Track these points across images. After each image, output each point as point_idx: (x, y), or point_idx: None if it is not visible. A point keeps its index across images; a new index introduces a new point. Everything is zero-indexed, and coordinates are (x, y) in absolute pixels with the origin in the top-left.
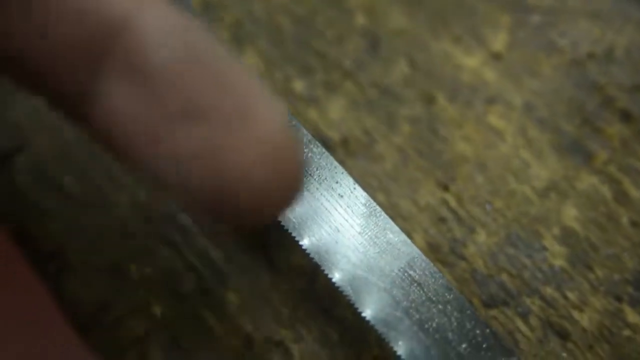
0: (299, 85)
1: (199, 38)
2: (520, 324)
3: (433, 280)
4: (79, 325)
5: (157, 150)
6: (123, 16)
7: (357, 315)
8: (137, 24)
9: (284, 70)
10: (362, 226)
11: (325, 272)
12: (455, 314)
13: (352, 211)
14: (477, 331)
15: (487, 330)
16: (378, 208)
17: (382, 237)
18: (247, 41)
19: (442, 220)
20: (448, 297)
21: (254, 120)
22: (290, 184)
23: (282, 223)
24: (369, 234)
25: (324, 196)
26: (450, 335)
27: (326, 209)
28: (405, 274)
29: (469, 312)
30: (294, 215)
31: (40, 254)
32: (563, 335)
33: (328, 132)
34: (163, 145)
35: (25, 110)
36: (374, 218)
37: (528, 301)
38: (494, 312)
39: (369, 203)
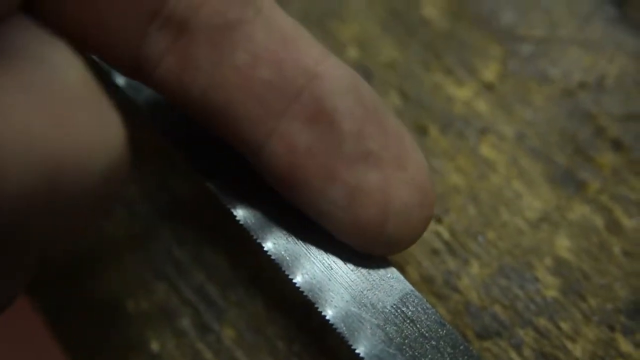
0: None
1: (367, 88)
2: (513, 355)
3: (426, 316)
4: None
5: (332, 185)
6: (314, 65)
7: (352, 352)
8: (325, 73)
9: None
10: (354, 263)
11: (319, 309)
12: (448, 349)
13: (344, 248)
14: None
15: None
16: None
17: (375, 274)
18: None
19: (436, 252)
20: (441, 332)
21: (411, 163)
22: (430, 215)
23: (276, 260)
24: (362, 270)
25: (316, 233)
26: None
27: (319, 246)
28: (398, 310)
29: (462, 347)
30: (287, 252)
31: (38, 288)
32: None
33: None
34: (339, 181)
35: None
36: (366, 254)
37: (521, 332)
38: (487, 343)
39: None
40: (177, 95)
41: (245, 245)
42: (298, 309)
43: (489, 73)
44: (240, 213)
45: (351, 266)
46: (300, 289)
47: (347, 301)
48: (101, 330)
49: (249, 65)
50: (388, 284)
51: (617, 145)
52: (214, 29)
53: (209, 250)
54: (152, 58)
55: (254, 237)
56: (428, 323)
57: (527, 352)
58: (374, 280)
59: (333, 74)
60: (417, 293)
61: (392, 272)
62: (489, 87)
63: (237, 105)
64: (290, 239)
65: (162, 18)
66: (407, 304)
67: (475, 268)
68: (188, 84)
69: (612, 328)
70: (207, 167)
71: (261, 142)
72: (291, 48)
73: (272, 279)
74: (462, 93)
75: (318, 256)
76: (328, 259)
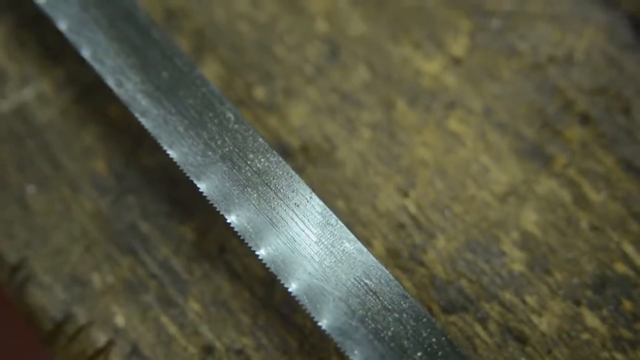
0: (260, 92)
1: None
2: (479, 329)
3: (389, 288)
4: (43, 335)
5: None
6: None
7: (315, 324)
8: None
9: (245, 77)
10: (318, 235)
11: (282, 282)
12: (411, 322)
13: (308, 221)
14: (433, 339)
15: (443, 338)
16: (334, 217)
17: (339, 247)
18: (208, 49)
19: (402, 226)
20: (404, 305)
21: None
22: None
23: (240, 233)
24: (325, 243)
25: (280, 206)
26: (405, 343)
27: (282, 218)
28: (362, 283)
29: (425, 319)
30: (251, 225)
31: (6, 264)
32: (522, 340)
33: (289, 138)
34: None
35: None
36: (330, 227)
37: (487, 306)
38: (453, 317)
39: (325, 212)
40: None
41: (211, 218)
42: (263, 282)
43: (458, 47)
44: (204, 185)
45: (315, 238)
46: (264, 262)
47: (310, 273)
48: (68, 304)
49: None
50: (352, 256)
51: (585, 119)
52: None
53: (174, 224)
54: None
55: (218, 210)
56: (391, 295)
57: (492, 326)
58: (337, 253)
59: None
60: (380, 266)
61: (356, 245)
62: (457, 61)
63: None
64: (254, 210)
65: None
66: (370, 276)
67: (441, 242)
68: None
69: (578, 302)
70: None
71: None
72: None
73: (237, 252)
74: (430, 67)
75: (282, 228)
76: (292, 231)
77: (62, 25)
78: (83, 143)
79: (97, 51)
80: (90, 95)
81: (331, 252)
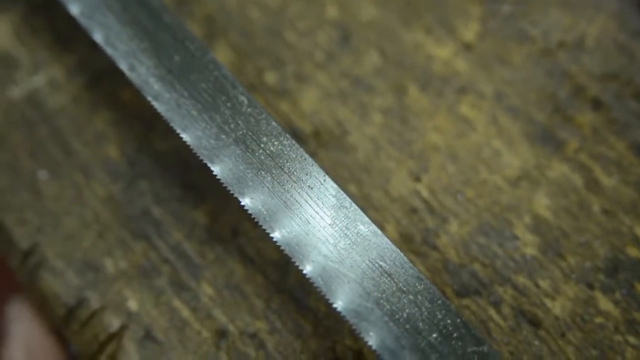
0: (271, 77)
1: None
2: (492, 312)
3: (403, 270)
4: (56, 319)
5: None
6: None
7: (329, 306)
8: None
9: (256, 63)
10: (332, 218)
11: (297, 264)
12: (426, 304)
13: (322, 203)
14: (448, 321)
15: (458, 320)
16: (348, 200)
17: (353, 229)
18: (219, 34)
19: (414, 210)
20: (419, 287)
21: None
22: None
23: (254, 216)
24: (340, 225)
25: (294, 188)
26: (421, 325)
27: (296, 201)
28: (376, 265)
29: (439, 302)
30: (265, 207)
31: (18, 249)
32: (535, 324)
33: (300, 123)
34: None
35: (1, 107)
36: (344, 210)
37: (500, 290)
38: (466, 301)
39: (339, 195)
40: None
41: (223, 203)
42: (276, 266)
43: (469, 32)
44: (217, 169)
45: (329, 220)
46: (278, 245)
47: (324, 256)
48: (80, 289)
49: None
50: (366, 239)
51: (596, 104)
52: None
53: (187, 209)
54: None
55: (232, 192)
56: (405, 277)
57: (505, 309)
58: (351, 235)
59: None
60: (394, 248)
61: (370, 227)
62: (468, 46)
63: None
64: (268, 193)
65: None
66: (384, 258)
67: (454, 226)
68: None
69: (591, 286)
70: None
71: None
72: None
73: (250, 235)
74: (441, 52)
75: (296, 211)
76: (306, 213)
77: (74, 10)
78: (95, 128)
79: (109, 35)
80: (101, 80)
81: (345, 234)
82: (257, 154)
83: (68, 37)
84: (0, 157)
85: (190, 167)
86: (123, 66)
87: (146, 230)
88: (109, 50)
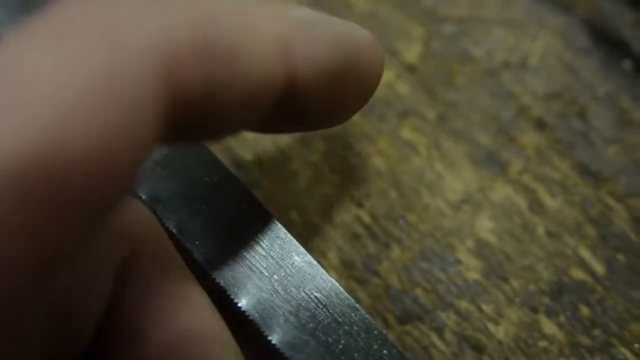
0: None
1: None
2: (435, 338)
3: (339, 301)
4: None
5: None
6: None
7: (264, 339)
8: None
9: None
10: (267, 249)
11: (232, 297)
12: (361, 334)
13: (258, 235)
14: (384, 351)
15: (394, 350)
16: (283, 230)
17: (288, 260)
18: None
19: (356, 236)
20: (355, 318)
21: None
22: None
23: (191, 250)
24: (274, 256)
25: (232, 223)
26: (356, 356)
27: (232, 233)
28: (312, 296)
29: (375, 332)
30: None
31: None
32: (479, 349)
33: (243, 152)
34: None
35: None
36: (279, 240)
37: (443, 315)
38: (408, 327)
39: (274, 226)
40: None
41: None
42: (213, 299)
43: (411, 54)
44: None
45: (264, 252)
46: (213, 277)
47: (259, 288)
48: None
49: None
50: (301, 270)
51: (540, 124)
52: None
53: None
54: None
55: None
56: (341, 308)
57: (448, 335)
58: (287, 267)
59: None
60: (330, 278)
61: (305, 258)
62: (411, 68)
63: None
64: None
65: None
66: (320, 289)
67: (396, 252)
68: None
69: (535, 310)
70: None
71: None
72: None
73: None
74: (384, 75)
75: (231, 243)
76: (241, 245)
77: None
78: None
79: None
80: None
81: (280, 265)
82: (192, 188)
83: None
84: None
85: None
86: None
87: None
88: None
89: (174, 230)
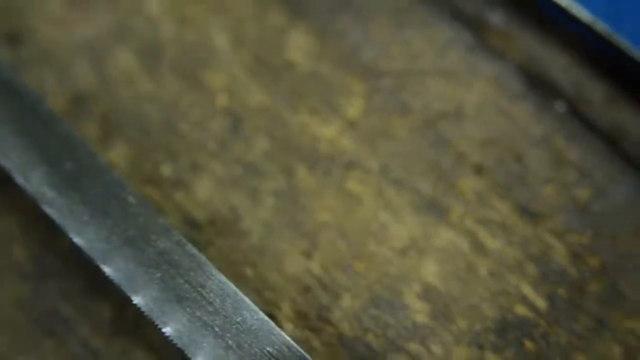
0: (166, 169)
1: None
2: None
3: (290, 353)
4: None
5: None
6: None
7: None
8: None
9: (153, 156)
10: (218, 308)
11: (189, 356)
12: None
13: (210, 295)
14: None
15: None
16: (233, 288)
17: (240, 317)
18: (116, 132)
19: (308, 288)
20: None
21: None
22: None
23: (146, 312)
24: (226, 314)
25: (183, 284)
26: None
27: (186, 295)
28: (264, 351)
29: None
30: (156, 304)
31: None
32: None
33: (196, 213)
34: None
35: None
36: (229, 299)
37: (395, 358)
38: None
39: (225, 286)
40: None
41: (127, 296)
42: (177, 355)
43: (353, 110)
44: (109, 270)
45: (216, 311)
46: (171, 339)
47: (214, 346)
48: None
49: None
50: (253, 326)
51: (478, 169)
52: None
53: (93, 303)
54: None
55: (126, 292)
56: None
57: None
58: (239, 324)
59: None
60: (281, 332)
61: (257, 315)
62: (352, 123)
63: None
64: (158, 290)
65: None
66: (272, 343)
67: (346, 300)
68: None
69: (481, 347)
70: None
71: None
72: None
73: (153, 325)
74: (327, 131)
75: (185, 305)
76: (195, 306)
77: None
78: (1, 232)
79: (3, 147)
80: (3, 186)
81: (233, 323)
82: (146, 253)
83: None
84: None
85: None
86: (17, 177)
87: (55, 328)
88: (3, 162)
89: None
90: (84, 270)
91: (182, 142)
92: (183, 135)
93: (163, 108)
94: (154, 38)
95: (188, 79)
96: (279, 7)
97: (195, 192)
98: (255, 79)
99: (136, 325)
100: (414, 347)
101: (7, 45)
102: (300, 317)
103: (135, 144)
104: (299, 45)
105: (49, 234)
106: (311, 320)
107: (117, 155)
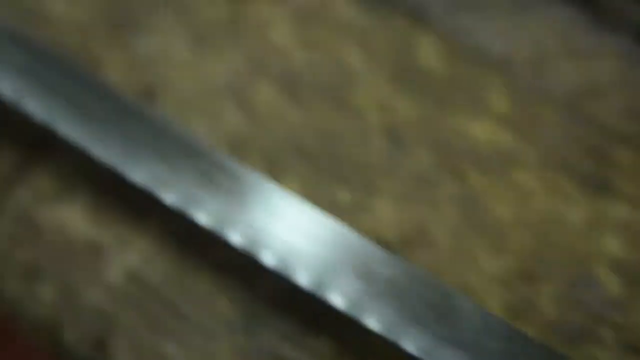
0: (344, 196)
1: None
2: None
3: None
4: None
5: None
6: None
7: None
8: None
9: (326, 185)
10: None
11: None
12: None
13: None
14: None
15: None
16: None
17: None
18: (282, 166)
19: (508, 282)
20: None
21: None
22: None
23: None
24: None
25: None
26: None
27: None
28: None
29: None
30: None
31: None
32: None
33: (385, 233)
34: None
35: (104, 293)
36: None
37: (602, 332)
38: None
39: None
40: None
41: (344, 327)
42: None
43: (500, 104)
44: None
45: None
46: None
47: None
48: None
49: None
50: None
51: (629, 140)
52: None
53: (311, 340)
54: None
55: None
56: None
57: None
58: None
59: None
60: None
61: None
62: (503, 117)
63: None
64: (395, 308)
65: None
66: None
67: (547, 287)
68: None
69: None
70: None
71: None
72: None
73: (380, 351)
74: (482, 129)
75: (425, 323)
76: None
77: (169, 199)
78: (202, 287)
79: (184, 199)
80: (192, 238)
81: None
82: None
83: (141, 204)
84: (121, 341)
85: (304, 299)
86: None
87: None
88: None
89: None
90: (292, 308)
91: (349, 165)
92: (347, 158)
93: (319, 134)
94: (288, 67)
95: (334, 101)
96: (400, 16)
97: (377, 212)
98: (399, 91)
99: (361, 356)
100: (618, 318)
101: (147, 101)
102: (509, 310)
103: (305, 175)
104: (430, 51)
105: (249, 277)
106: (520, 312)
107: (293, 188)
